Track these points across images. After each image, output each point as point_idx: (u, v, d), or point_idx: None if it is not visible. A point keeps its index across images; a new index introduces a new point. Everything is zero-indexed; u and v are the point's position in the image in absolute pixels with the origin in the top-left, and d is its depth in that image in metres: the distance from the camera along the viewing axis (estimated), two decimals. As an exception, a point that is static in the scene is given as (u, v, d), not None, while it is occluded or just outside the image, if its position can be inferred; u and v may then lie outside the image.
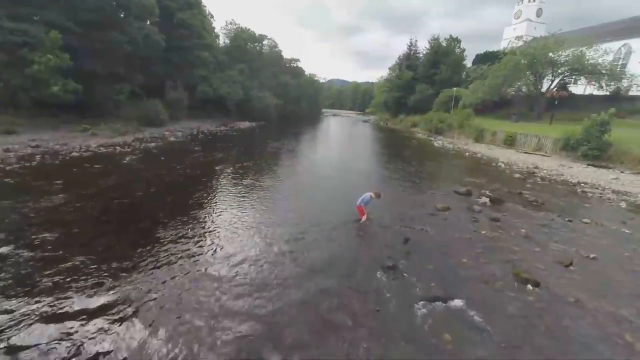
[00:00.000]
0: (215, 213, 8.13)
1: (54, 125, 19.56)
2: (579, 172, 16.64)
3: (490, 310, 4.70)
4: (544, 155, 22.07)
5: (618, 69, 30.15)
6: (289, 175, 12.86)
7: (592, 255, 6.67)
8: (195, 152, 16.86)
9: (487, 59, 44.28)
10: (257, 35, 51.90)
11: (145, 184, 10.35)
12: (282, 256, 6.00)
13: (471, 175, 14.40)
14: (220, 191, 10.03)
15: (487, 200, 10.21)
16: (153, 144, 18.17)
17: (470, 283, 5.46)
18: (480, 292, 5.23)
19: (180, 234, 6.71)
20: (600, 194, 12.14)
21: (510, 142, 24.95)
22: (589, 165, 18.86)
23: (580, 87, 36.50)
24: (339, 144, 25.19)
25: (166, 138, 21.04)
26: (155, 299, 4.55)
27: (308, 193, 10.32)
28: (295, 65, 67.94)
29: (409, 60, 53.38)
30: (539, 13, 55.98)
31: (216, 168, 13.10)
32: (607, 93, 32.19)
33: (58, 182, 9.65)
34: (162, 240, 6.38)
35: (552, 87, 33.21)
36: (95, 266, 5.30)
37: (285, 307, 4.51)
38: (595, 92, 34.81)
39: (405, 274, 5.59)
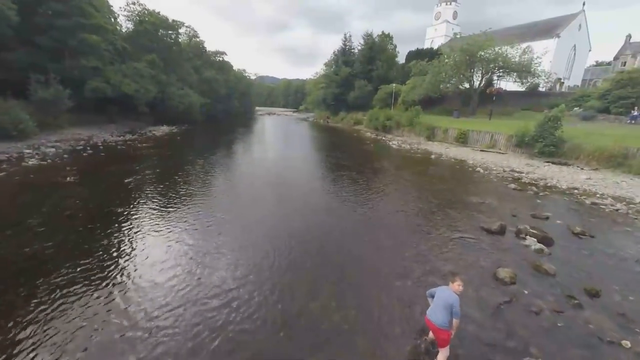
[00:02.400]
0: None
1: None
2: (550, 172, 15.36)
3: None
4: (499, 152, 21.19)
5: (528, 66, 32.14)
6: (224, 240, 6.81)
7: None
8: (64, 187, 10.10)
9: (419, 55, 44.48)
10: (170, 21, 42.51)
11: None
12: None
13: (467, 191, 11.43)
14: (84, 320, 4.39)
15: (536, 242, 6.94)
16: (-14, 175, 10.57)
17: None
18: None
19: None
20: (612, 205, 10.25)
21: (463, 139, 23.81)
22: (547, 162, 18.23)
23: (502, 84, 38.76)
24: (286, 153, 20.15)
25: (21, 161, 13.14)
26: None
27: (264, 286, 5.46)
28: (221, 59, 59.51)
29: (344, 55, 50.90)
30: (454, 16, 59.61)
31: (85, 244, 6.29)
32: (525, 89, 34.52)
33: None
34: None
35: (482, 83, 34.13)
36: None
37: None
38: (513, 88, 37.37)
39: None
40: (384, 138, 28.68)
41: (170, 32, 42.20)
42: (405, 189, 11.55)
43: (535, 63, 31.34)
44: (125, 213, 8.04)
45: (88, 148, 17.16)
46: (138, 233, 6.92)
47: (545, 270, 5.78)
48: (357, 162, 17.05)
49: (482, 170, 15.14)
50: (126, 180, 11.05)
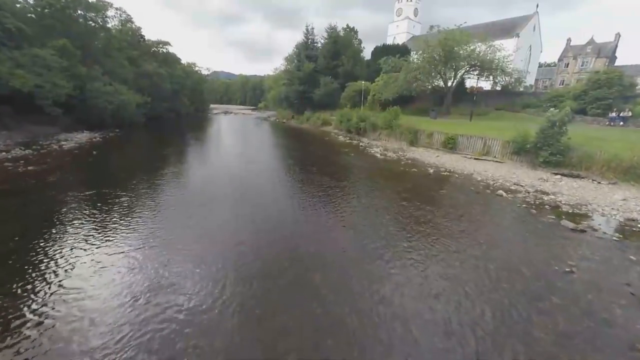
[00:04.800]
0: None
1: None
2: (575, 190, 12.53)
3: None
4: (495, 161, 18.37)
5: (502, 64, 30.67)
6: None
7: None
8: None
9: (386, 51, 41.40)
10: (92, 0, 33.55)
11: None
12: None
13: (528, 247, 7.68)
14: None
15: None
16: None
17: None
18: None
19: None
20: None
21: (451, 145, 20.73)
22: (556, 174, 15.64)
23: (473, 82, 37.21)
24: (250, 175, 14.07)
25: None
26: None
27: None
28: (164, 50, 50.69)
29: (307, 49, 45.97)
30: (415, 13, 57.89)
31: None
32: (498, 88, 33.19)
33: None
34: None
35: (455, 81, 31.95)
36: None
37: None
38: (484, 88, 36.03)
39: None
40: (361, 144, 24.64)
41: (92, 13, 33.37)
42: (440, 253, 7.37)
43: (508, 61, 29.81)
44: None
45: None
46: None
47: None
48: (344, 188, 12.62)
49: (504, 194, 11.71)
50: None
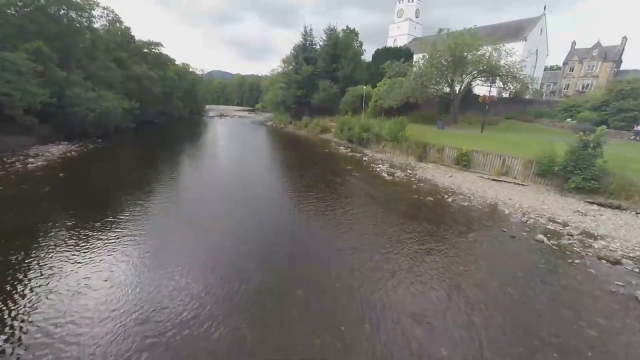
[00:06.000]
0: None
1: None
2: (620, 227, 10.48)
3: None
4: (516, 183, 16.25)
5: (513, 70, 28.61)
6: None
7: None
8: None
9: (389, 54, 39.13)
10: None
11: None
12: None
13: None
14: None
15: None
16: None
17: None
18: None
19: None
20: None
21: (465, 162, 18.63)
22: (591, 202, 13.56)
23: (479, 89, 35.13)
24: (240, 214, 10.68)
25: None
26: None
27: None
28: (156, 51, 48.11)
29: (305, 52, 43.59)
30: (417, 14, 55.64)
31: None
32: (506, 95, 31.15)
33: None
34: None
35: (462, 88, 29.85)
36: None
37: None
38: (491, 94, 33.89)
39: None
40: (364, 157, 22.43)
41: (74, 13, 30.70)
42: None
43: (519, 67, 27.72)
44: None
45: None
46: None
47: None
48: (357, 237, 10.46)
49: (545, 239, 9.57)
50: None
